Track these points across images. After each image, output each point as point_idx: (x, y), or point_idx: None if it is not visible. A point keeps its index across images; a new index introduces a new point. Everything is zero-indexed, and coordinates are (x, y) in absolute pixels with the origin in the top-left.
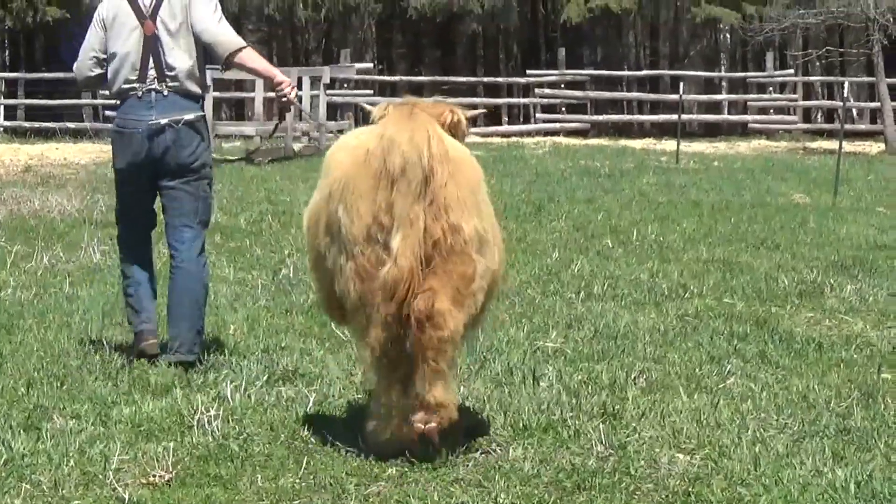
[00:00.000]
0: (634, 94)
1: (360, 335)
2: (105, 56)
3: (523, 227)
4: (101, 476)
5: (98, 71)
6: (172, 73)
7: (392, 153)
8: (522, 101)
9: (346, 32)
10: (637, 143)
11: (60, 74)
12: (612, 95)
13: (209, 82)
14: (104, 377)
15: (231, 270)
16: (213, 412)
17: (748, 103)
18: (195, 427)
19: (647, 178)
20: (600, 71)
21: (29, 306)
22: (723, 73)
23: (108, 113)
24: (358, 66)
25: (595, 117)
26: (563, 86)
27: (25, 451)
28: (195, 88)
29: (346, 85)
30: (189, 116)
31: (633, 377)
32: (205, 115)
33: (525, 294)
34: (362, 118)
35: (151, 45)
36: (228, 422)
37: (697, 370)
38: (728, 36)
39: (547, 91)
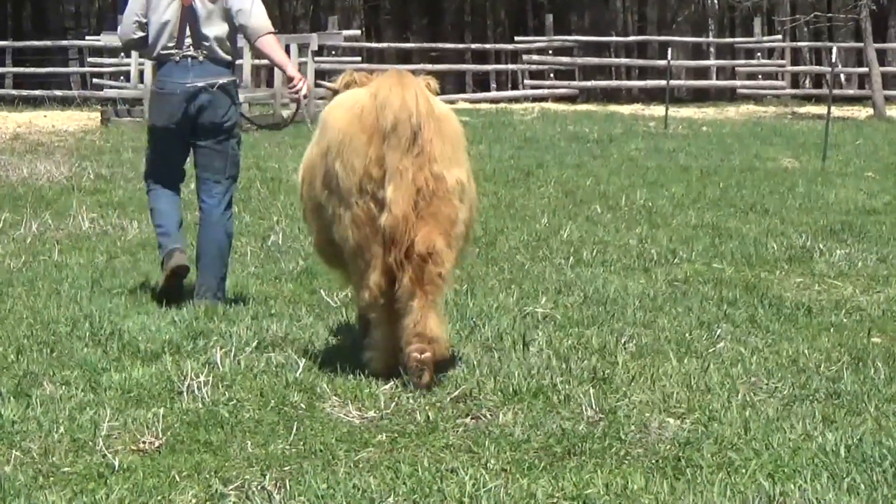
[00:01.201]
0: (622, 60)
1: (359, 277)
2: (146, 21)
3: (512, 193)
4: (90, 443)
5: (140, 34)
6: (207, 42)
7: (385, 112)
8: (510, 67)
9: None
10: (625, 109)
11: (48, 42)
12: (600, 62)
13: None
14: (93, 344)
15: None
16: (202, 378)
17: (736, 69)
18: (185, 393)
19: (636, 144)
20: (588, 37)
21: (18, 274)
22: (711, 39)
23: (95, 81)
24: (345, 33)
25: (583, 83)
26: (550, 52)
27: (15, 417)
28: (227, 55)
29: (333, 52)
30: (223, 80)
31: (622, 342)
32: (235, 80)
33: (514, 260)
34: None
35: (188, 16)
36: (218, 388)
37: (687, 335)
38: (716, 1)
39: (535, 57)
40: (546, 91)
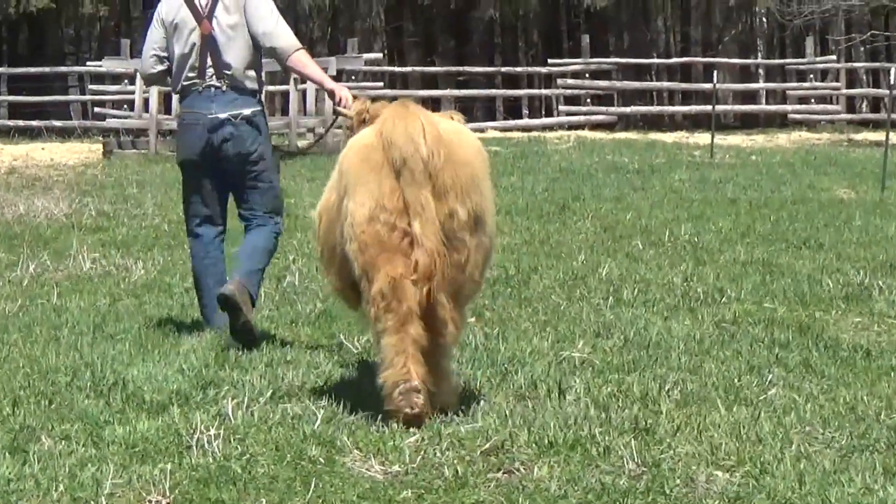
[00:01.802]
0: (664, 84)
1: (365, 294)
2: (165, 54)
3: (546, 229)
4: (92, 502)
5: (160, 67)
6: (229, 71)
7: (391, 149)
8: (544, 92)
9: (352, 20)
10: (668, 137)
11: (46, 69)
12: (641, 85)
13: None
14: (95, 395)
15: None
16: (213, 431)
17: (787, 92)
18: (194, 447)
19: (680, 174)
20: (627, 59)
21: (14, 319)
22: (759, 60)
23: (97, 110)
24: (366, 56)
25: (622, 109)
26: (587, 75)
27: (11, 475)
28: (252, 84)
29: (353, 77)
30: (246, 112)
31: (666, 389)
32: (263, 109)
33: (549, 300)
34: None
35: (209, 45)
36: (230, 442)
37: (736, 381)
38: (765, 20)
39: (570, 81)
40: (582, 118)
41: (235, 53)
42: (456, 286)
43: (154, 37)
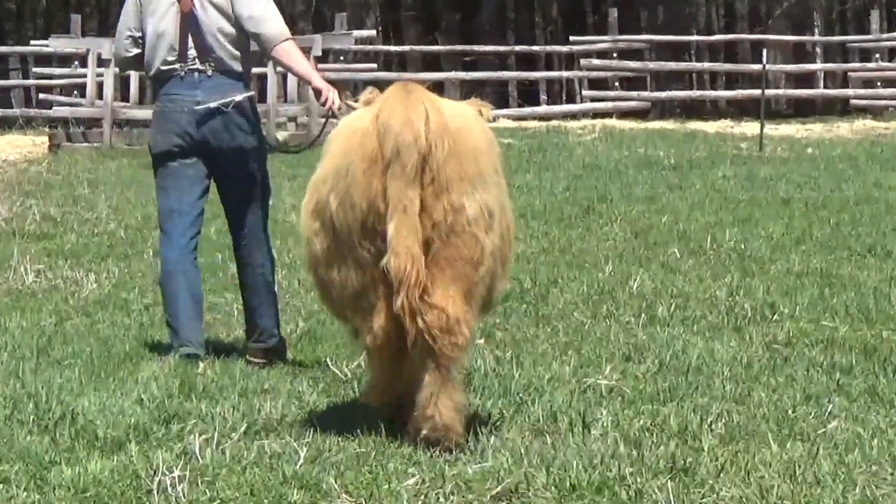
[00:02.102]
0: (706, 65)
1: (362, 320)
2: (140, 35)
3: (568, 234)
4: None
5: (135, 51)
6: (214, 54)
7: (387, 136)
8: (565, 74)
9: None
10: (710, 126)
11: None
12: (678, 66)
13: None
14: (39, 430)
15: None
16: (177, 473)
17: (849, 74)
18: (155, 492)
19: (724, 170)
20: (662, 36)
21: None
22: (816, 37)
23: (42, 97)
24: (357, 33)
25: (656, 94)
26: (615, 55)
27: None
28: (240, 66)
29: (341, 58)
30: (239, 98)
31: (708, 422)
32: (253, 95)
33: (571, 318)
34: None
35: (189, 24)
36: (197, 485)
37: (790, 412)
38: None
39: (595, 62)
40: (610, 104)
41: (220, 33)
42: (467, 285)
43: (129, 16)
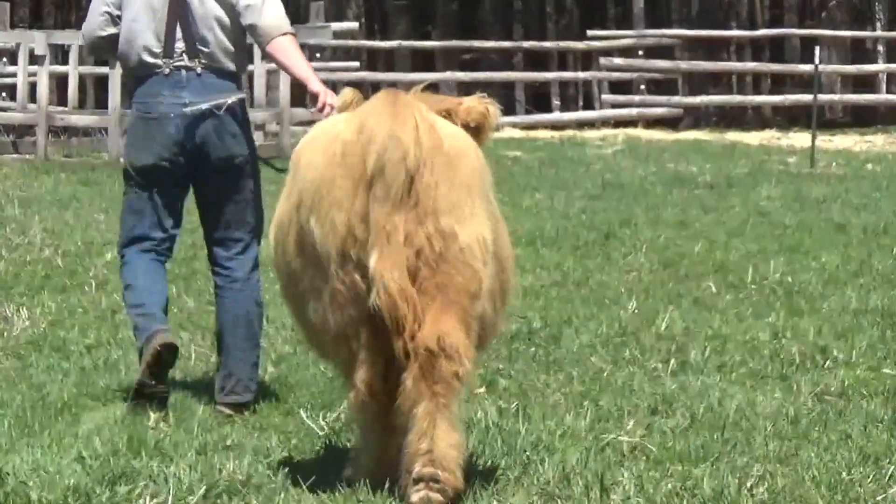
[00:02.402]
0: (748, 65)
1: (344, 371)
2: (119, 13)
3: (584, 265)
4: None
5: (111, 30)
6: (206, 48)
7: (370, 151)
8: (581, 75)
9: None
10: (752, 138)
11: None
12: (715, 66)
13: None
14: None
15: None
16: None
17: None
18: None
19: (768, 190)
20: (696, 31)
21: None
22: (878, 33)
23: None
24: (336, 26)
25: (689, 99)
26: (641, 53)
27: None
28: (233, 65)
29: (318, 54)
30: (232, 100)
31: (748, 486)
32: (244, 98)
33: (588, 364)
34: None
35: (178, 9)
36: None
37: (845, 474)
38: None
39: (617, 61)
40: (634, 111)
41: (215, 24)
42: (463, 314)
43: None
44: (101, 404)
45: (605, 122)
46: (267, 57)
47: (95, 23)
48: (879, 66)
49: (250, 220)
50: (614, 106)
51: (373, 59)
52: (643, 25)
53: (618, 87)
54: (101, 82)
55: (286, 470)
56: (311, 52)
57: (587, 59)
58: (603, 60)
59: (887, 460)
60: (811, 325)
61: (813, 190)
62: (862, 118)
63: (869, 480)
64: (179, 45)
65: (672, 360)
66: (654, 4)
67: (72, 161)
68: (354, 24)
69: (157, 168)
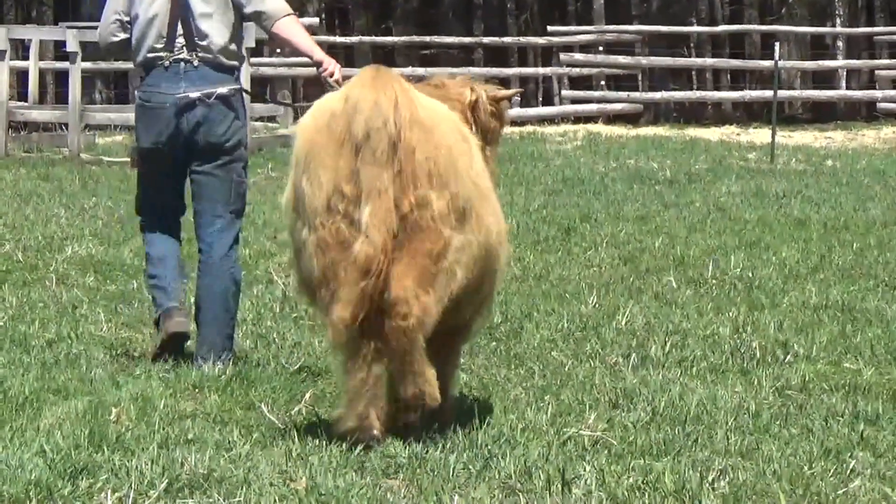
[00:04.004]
0: (708, 61)
1: (324, 312)
2: (128, 18)
3: (545, 260)
4: None
5: (122, 36)
6: (203, 42)
7: (356, 118)
8: (541, 71)
9: None
10: (712, 133)
11: None
12: (675, 62)
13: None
14: None
15: (111, 327)
16: None
17: (876, 73)
18: None
19: (728, 185)
20: (656, 26)
21: None
22: (838, 29)
23: None
24: None
25: (649, 95)
26: (601, 49)
27: None
28: (229, 59)
29: (278, 50)
30: (222, 90)
31: (710, 480)
32: (241, 89)
33: (549, 358)
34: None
35: (180, 8)
36: None
37: (806, 468)
38: None
39: (578, 57)
40: (595, 107)
41: (213, 21)
42: (423, 273)
43: (116, 0)
44: (62, 398)
45: (565, 118)
46: (272, 37)
47: (107, 29)
48: (839, 63)
49: (234, 202)
50: (574, 102)
51: (333, 55)
52: (603, 21)
53: (578, 82)
54: (62, 77)
55: (248, 464)
56: (271, 47)
57: (547, 55)
58: (563, 56)
59: (848, 454)
60: (771, 319)
61: (773, 185)
62: (821, 114)
63: (830, 474)
64: (179, 41)
65: (633, 355)
66: (614, 1)
67: (32, 156)
68: (315, 20)
69: (156, 150)
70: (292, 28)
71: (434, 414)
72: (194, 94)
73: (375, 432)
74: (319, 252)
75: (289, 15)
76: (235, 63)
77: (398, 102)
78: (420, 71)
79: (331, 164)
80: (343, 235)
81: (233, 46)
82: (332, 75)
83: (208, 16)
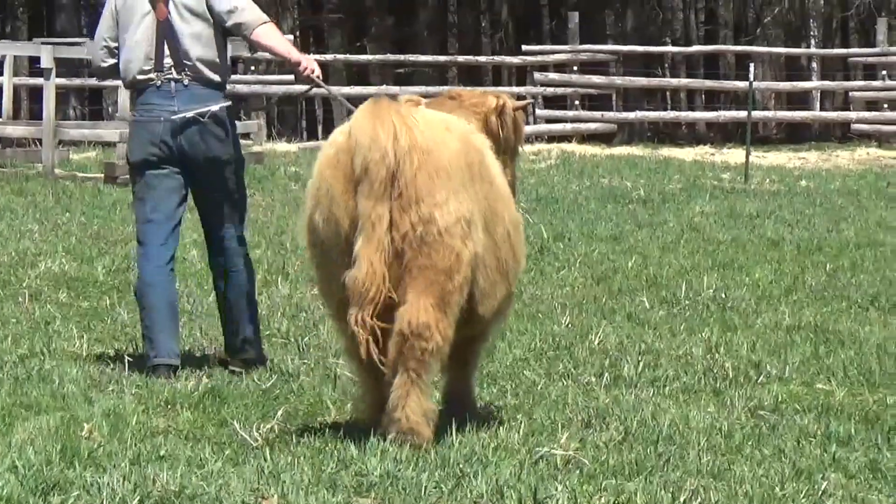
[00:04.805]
0: (682, 81)
1: (341, 330)
2: (116, 45)
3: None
4: None
5: (111, 61)
6: (190, 62)
7: (357, 153)
8: (516, 90)
9: None
10: (686, 153)
11: None
12: (649, 83)
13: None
14: None
15: (83, 343)
16: None
17: (850, 94)
18: None
19: (702, 206)
20: (631, 46)
21: None
22: (813, 50)
23: None
24: None
25: (624, 115)
26: (575, 68)
27: None
28: (217, 76)
29: (252, 68)
30: (215, 108)
31: (682, 500)
32: (231, 104)
33: (521, 377)
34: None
35: (165, 31)
36: None
37: (778, 489)
38: None
39: (552, 76)
40: (569, 126)
41: (197, 40)
42: (440, 293)
43: (105, 25)
44: (34, 414)
45: (539, 137)
46: (252, 45)
47: (98, 56)
48: (813, 84)
49: (236, 209)
50: (549, 121)
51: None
52: (578, 41)
53: (552, 101)
54: (36, 93)
55: (220, 481)
56: (245, 64)
57: (522, 74)
58: (538, 75)
59: (820, 475)
60: (744, 340)
61: (746, 206)
62: (796, 135)
63: (802, 495)
64: (168, 61)
65: (605, 374)
66: (589, 20)
67: (6, 171)
68: (289, 38)
69: (147, 162)
70: (270, 34)
71: (453, 411)
72: (189, 114)
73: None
74: (332, 279)
75: (266, 23)
76: (224, 79)
77: (396, 134)
78: (394, 89)
79: (339, 197)
80: (350, 265)
81: (220, 62)
82: (312, 72)
83: (193, 35)
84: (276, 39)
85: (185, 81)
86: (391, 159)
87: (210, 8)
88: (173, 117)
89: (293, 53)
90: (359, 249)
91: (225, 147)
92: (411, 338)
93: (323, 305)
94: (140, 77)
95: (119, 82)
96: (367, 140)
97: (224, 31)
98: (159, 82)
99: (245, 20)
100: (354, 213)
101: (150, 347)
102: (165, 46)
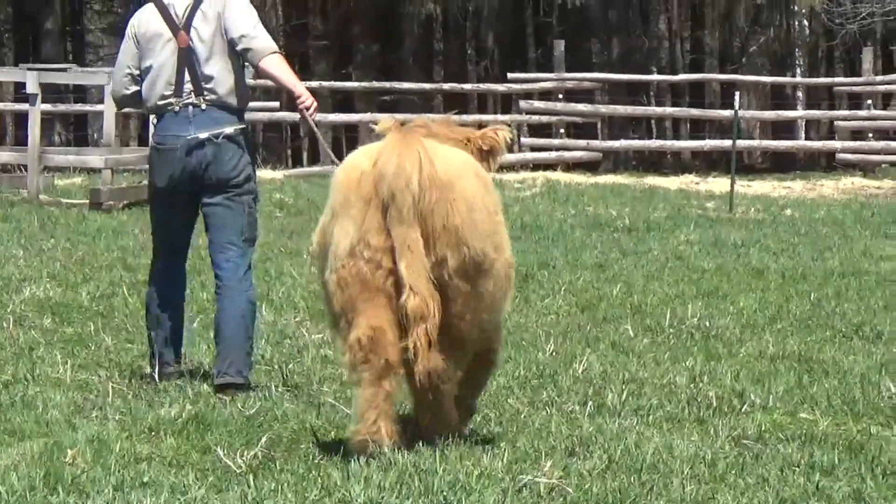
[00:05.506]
0: (668, 110)
1: (344, 339)
2: (139, 72)
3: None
4: None
5: (134, 88)
6: (209, 86)
7: (382, 181)
8: (501, 118)
9: None
10: (671, 182)
11: None
12: (635, 111)
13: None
14: None
15: (67, 369)
16: None
17: (835, 123)
18: None
19: (687, 234)
20: (617, 74)
21: None
22: (798, 79)
23: None
24: None
25: (609, 143)
26: (560, 96)
27: None
28: (235, 101)
29: None
30: (229, 130)
31: None
32: (247, 127)
33: (505, 406)
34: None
35: (186, 58)
36: None
37: None
38: (806, 23)
39: (537, 104)
40: (554, 154)
41: (217, 67)
42: (454, 334)
43: (127, 53)
44: (17, 440)
45: (524, 165)
46: (259, 72)
47: (120, 84)
48: (798, 113)
49: (246, 231)
50: (534, 149)
51: (292, 99)
52: (563, 69)
53: (538, 129)
54: (21, 119)
55: None
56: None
57: (507, 102)
58: (523, 103)
59: None
60: (728, 369)
61: (731, 234)
62: (781, 164)
63: None
64: (187, 86)
65: (589, 403)
66: (574, 48)
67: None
68: None
69: (168, 189)
70: (278, 65)
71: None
72: (203, 135)
73: (385, 444)
74: (339, 289)
75: (275, 52)
76: (240, 104)
77: (421, 165)
78: (380, 117)
79: (358, 217)
80: (363, 274)
81: (238, 87)
82: (308, 108)
83: (213, 61)
84: (282, 70)
85: (203, 106)
86: (415, 188)
87: (225, 31)
88: (187, 138)
89: (298, 87)
90: (405, 273)
91: (237, 169)
92: (428, 381)
93: (328, 321)
94: (161, 102)
95: (103, 108)
96: (392, 169)
97: (237, 53)
98: (178, 107)
99: (255, 47)
100: (365, 231)
101: (154, 357)
102: (186, 73)
